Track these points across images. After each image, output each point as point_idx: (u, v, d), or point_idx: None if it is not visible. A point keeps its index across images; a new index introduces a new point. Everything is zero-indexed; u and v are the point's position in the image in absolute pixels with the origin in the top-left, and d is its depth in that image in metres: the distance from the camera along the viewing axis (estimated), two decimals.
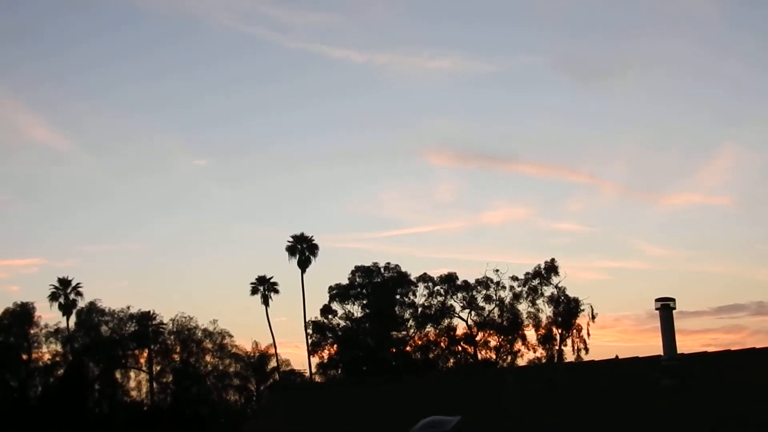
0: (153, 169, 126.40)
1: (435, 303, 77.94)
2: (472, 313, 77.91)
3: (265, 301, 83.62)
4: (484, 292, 77.65)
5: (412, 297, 78.41)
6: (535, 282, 77.00)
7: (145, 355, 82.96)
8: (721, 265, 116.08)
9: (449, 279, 78.15)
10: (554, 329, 77.09)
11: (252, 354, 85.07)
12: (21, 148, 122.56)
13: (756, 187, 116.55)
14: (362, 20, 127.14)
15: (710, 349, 22.44)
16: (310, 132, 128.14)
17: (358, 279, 78.54)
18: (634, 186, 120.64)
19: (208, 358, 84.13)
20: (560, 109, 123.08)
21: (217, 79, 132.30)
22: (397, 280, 78.47)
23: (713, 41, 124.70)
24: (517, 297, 77.29)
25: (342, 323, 78.47)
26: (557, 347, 76.94)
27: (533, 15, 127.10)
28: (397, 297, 78.19)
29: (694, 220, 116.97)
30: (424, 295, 78.24)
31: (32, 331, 79.46)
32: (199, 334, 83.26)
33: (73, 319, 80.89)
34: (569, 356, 75.32)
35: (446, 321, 77.89)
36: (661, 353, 20.23)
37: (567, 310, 76.34)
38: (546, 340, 76.95)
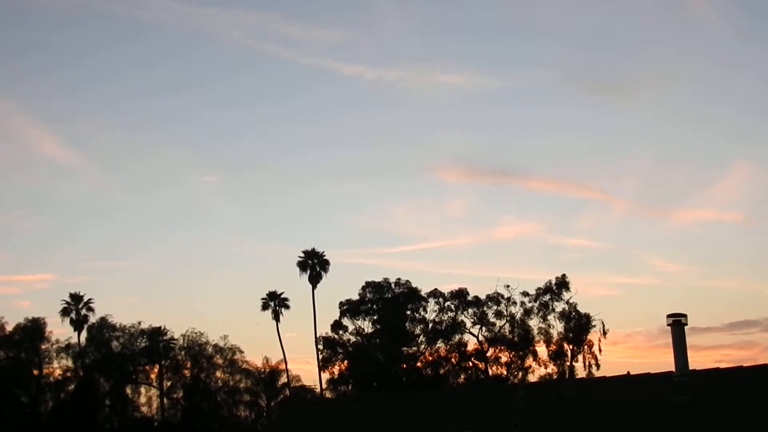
0: (163, 185, 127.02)
1: (446, 319, 77.78)
2: (483, 328, 77.76)
3: (276, 317, 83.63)
4: (494, 307, 77.46)
5: (422, 313, 78.29)
6: (546, 298, 76.80)
7: (156, 370, 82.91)
8: (733, 281, 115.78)
9: (460, 295, 78.01)
10: (565, 345, 76.83)
11: (262, 370, 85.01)
12: (32, 163, 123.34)
13: None
14: (373, 37, 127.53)
15: (722, 365, 22.40)
16: (320, 147, 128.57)
17: (368, 294, 78.45)
18: (645, 201, 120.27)
19: (218, 373, 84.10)
20: (571, 124, 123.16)
21: (229, 95, 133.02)
22: (408, 295, 78.35)
23: (725, 57, 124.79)
24: (528, 313, 77.08)
25: (352, 339, 78.36)
26: (568, 363, 76.65)
27: (544, 30, 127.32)
28: (408, 313, 78.04)
29: (706, 235, 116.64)
30: (435, 311, 78.13)
31: (43, 347, 79.54)
32: (210, 349, 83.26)
33: (84, 334, 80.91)
34: (580, 372, 75.09)
35: (457, 337, 77.71)
36: (673, 369, 20.20)
37: (578, 325, 76.08)
38: (557, 356, 76.67)
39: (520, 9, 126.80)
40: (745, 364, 22.15)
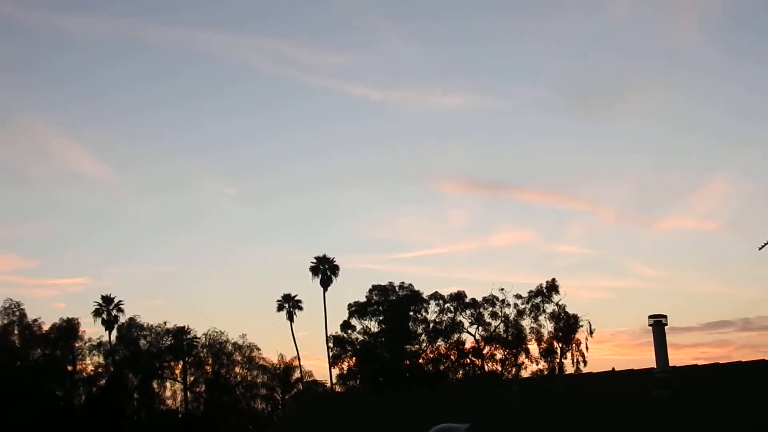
0: (186, 193, 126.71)
1: (445, 319, 77.63)
2: (480, 328, 77.56)
3: (290, 317, 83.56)
4: (490, 309, 77.28)
5: (424, 314, 78.10)
6: (538, 300, 76.54)
7: (180, 366, 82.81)
8: (710, 285, 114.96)
9: (458, 297, 77.89)
10: (555, 343, 76.56)
11: (278, 366, 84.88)
12: (68, 176, 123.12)
13: (744, 211, 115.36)
14: (379, 60, 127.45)
15: (700, 362, 22.37)
16: (332, 161, 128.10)
17: (375, 297, 78.39)
18: (631, 211, 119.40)
19: (237, 369, 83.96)
20: (562, 140, 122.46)
21: (247, 115, 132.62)
22: (411, 298, 78.25)
23: (708, 70, 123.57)
24: (520, 314, 76.86)
25: (360, 338, 78.27)
26: (558, 360, 76.36)
27: (534, 53, 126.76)
28: (411, 314, 77.90)
29: (685, 243, 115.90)
30: (436, 312, 77.91)
31: (77, 345, 79.43)
32: (230, 347, 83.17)
33: (114, 333, 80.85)
34: (569, 368, 74.75)
35: (456, 336, 77.51)
36: (655, 366, 20.17)
37: (567, 325, 75.86)
38: (547, 353, 76.40)
39: (513, 32, 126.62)
40: (720, 361, 22.12)
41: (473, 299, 77.65)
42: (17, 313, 76.83)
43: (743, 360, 21.70)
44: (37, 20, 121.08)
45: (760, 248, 20.20)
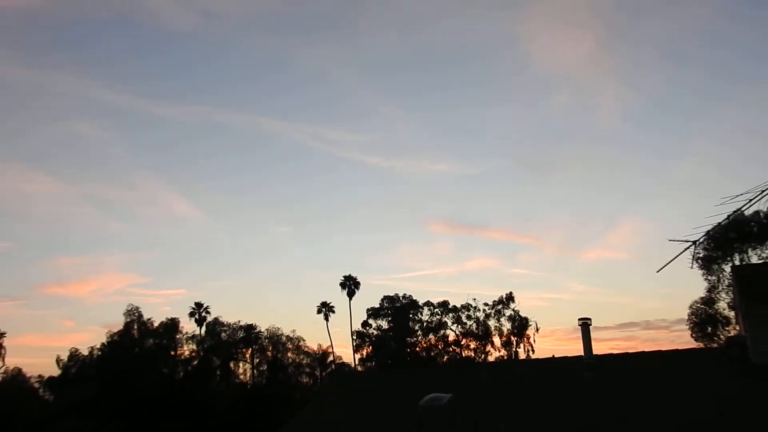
0: (253, 232, 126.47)
1: (434, 320, 77.18)
2: (459, 326, 77.04)
3: (326, 318, 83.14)
4: (466, 313, 76.85)
5: (420, 316, 77.70)
6: (500, 307, 76.18)
7: (249, 352, 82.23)
8: (622, 297, 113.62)
9: (444, 304, 77.50)
10: (512, 338, 75.94)
11: (317, 352, 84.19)
12: (170, 218, 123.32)
13: (646, 245, 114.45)
14: (387, 138, 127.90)
15: (614, 352, 21.99)
16: (355, 211, 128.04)
17: (385, 304, 78.06)
18: (566, 245, 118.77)
19: (289, 354, 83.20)
20: (517, 195, 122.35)
21: (295, 176, 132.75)
22: (410, 305, 77.88)
23: (618, 144, 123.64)
24: (487, 316, 76.39)
25: (375, 333, 77.79)
26: (514, 349, 75.69)
27: (499, 130, 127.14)
28: (410, 316, 77.49)
29: (604, 268, 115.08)
30: (428, 315, 77.56)
31: (177, 337, 78.90)
32: (284, 339, 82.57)
33: (203, 329, 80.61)
34: (522, 355, 74.07)
35: (442, 332, 77.01)
36: (583, 354, 19.87)
37: (520, 325, 75.30)
38: (506, 344, 75.75)
39: (483, 118, 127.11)
40: (629, 351, 21.78)
41: (454, 306, 77.20)
42: (136, 314, 76.62)
43: (646, 351, 21.35)
44: (131, 105, 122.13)
45: (657, 271, 19.97)
